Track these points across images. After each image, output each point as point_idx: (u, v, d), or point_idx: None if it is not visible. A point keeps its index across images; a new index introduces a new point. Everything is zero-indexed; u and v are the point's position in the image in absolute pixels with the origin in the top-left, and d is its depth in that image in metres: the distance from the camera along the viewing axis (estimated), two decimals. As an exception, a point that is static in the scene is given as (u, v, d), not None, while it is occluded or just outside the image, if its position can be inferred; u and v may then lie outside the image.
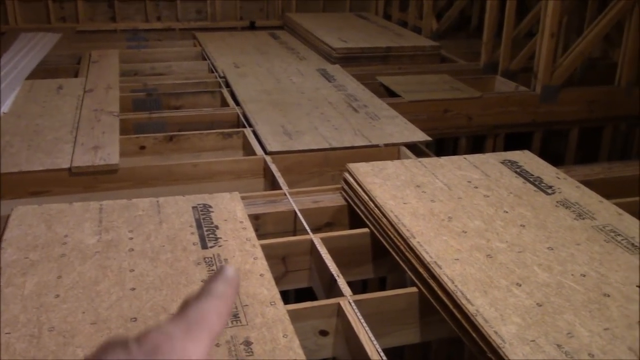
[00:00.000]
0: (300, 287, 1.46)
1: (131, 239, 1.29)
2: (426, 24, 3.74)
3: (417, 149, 1.96)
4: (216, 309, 0.31)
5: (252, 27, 4.20)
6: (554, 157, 2.82)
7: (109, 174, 1.73)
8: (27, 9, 3.94)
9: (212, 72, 2.88)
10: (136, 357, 0.27)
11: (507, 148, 2.59)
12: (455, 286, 1.10)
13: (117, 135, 1.93)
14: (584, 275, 1.15)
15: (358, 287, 2.08)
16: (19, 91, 2.38)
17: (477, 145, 2.80)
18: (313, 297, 1.34)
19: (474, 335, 1.01)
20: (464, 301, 1.06)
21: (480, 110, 2.61)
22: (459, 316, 1.06)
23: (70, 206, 1.43)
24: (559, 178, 1.58)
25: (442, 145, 3.00)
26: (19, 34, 3.53)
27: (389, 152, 1.92)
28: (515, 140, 2.71)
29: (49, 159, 1.75)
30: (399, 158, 1.89)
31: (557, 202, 1.45)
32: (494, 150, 2.62)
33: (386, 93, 2.70)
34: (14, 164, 1.72)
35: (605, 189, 1.67)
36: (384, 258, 1.41)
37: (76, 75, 2.73)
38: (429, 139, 1.99)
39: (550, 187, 1.53)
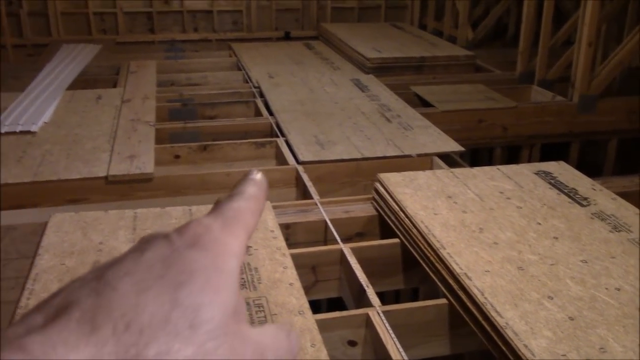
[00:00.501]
0: (331, 297, 1.46)
1: (164, 246, 1.31)
2: (461, 33, 3.72)
3: (450, 160, 1.95)
4: (249, 207, 0.32)
5: (287, 37, 4.23)
6: (592, 168, 2.77)
7: (144, 183, 1.76)
8: (70, 22, 4.05)
9: (247, 82, 2.91)
10: (178, 246, 0.28)
11: (543, 159, 2.55)
12: (485, 298, 1.09)
13: (152, 145, 1.96)
14: (619, 289, 1.13)
15: (391, 298, 2.07)
16: (60, 101, 2.45)
17: (512, 156, 2.77)
18: (344, 307, 1.34)
19: (503, 348, 1.00)
20: (493, 313, 1.04)
21: (516, 120, 2.58)
22: (488, 329, 1.05)
23: (105, 214, 1.46)
24: (594, 190, 1.56)
25: (476, 155, 2.97)
26: (61, 46, 3.63)
27: (422, 162, 1.92)
28: (552, 151, 2.67)
29: (87, 168, 1.79)
30: (431, 168, 1.88)
31: (592, 214, 1.42)
32: (529, 161, 2.59)
33: (420, 103, 2.70)
34: (53, 172, 1.77)
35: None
36: (414, 269, 1.41)
37: (115, 86, 2.79)
38: (462, 149, 1.98)
39: (586, 198, 1.50)
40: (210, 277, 0.28)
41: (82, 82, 2.89)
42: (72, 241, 1.33)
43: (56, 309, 0.25)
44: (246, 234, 0.31)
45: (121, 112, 2.30)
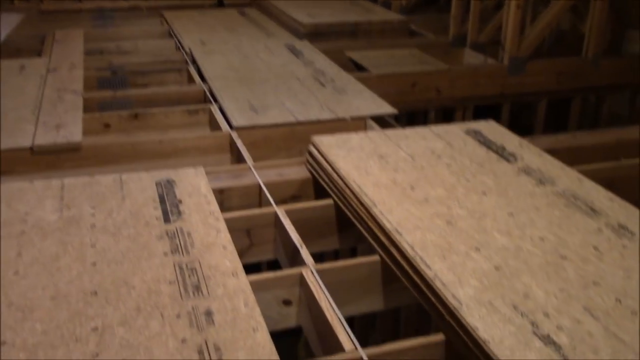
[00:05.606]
0: (268, 260, 1.46)
1: (93, 215, 1.28)
2: (396, -2, 3.73)
3: (385, 123, 1.96)
4: None
5: (220, 4, 4.14)
6: (524, 129, 2.84)
7: (72, 152, 1.71)
8: (-11, -11, 3.85)
9: (179, 49, 2.84)
10: None
11: (476, 120, 2.60)
12: (415, 252, 1.11)
13: (80, 114, 1.90)
14: (543, 239, 1.17)
15: (331, 259, 2.09)
16: (-19, 72, 2.33)
17: (446, 118, 2.81)
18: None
19: (432, 299, 1.02)
20: (422, 266, 1.07)
21: (449, 83, 2.62)
22: (418, 281, 1.07)
23: (31, 184, 1.41)
24: (521, 147, 1.60)
25: (412, 118, 3.01)
26: (-19, 15, 3.45)
27: (356, 125, 1.92)
28: (484, 113, 2.72)
29: (11, 139, 1.72)
30: (365, 131, 1.89)
31: (519, 169, 1.46)
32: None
33: (355, 68, 2.70)
34: (-25, 144, 1.69)
35: (571, 158, 1.69)
36: (350, 229, 1.42)
37: (40, 55, 2.68)
38: (395, 111, 1.99)
39: (513, 155, 1.54)
40: None
41: (3, 52, 2.76)
42: (-5, 213, 1.29)
43: None
44: None
45: (47, 82, 2.21)
